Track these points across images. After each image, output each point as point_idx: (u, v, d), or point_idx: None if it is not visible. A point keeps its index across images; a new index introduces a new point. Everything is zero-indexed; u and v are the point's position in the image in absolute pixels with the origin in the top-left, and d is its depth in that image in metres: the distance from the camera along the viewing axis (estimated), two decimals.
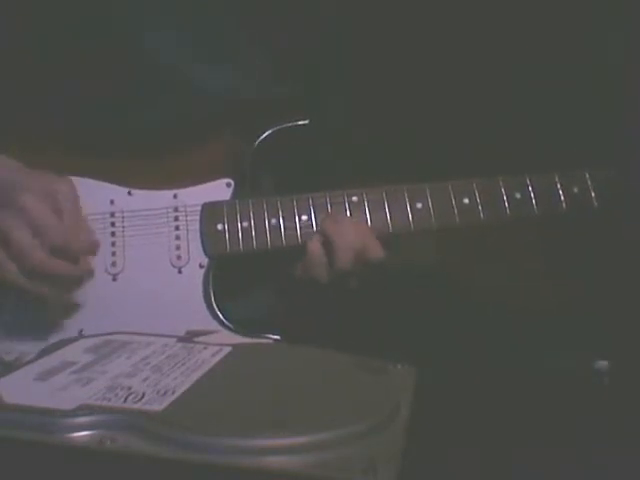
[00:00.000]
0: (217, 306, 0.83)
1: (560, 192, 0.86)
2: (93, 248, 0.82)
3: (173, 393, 0.55)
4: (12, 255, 0.76)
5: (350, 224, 0.83)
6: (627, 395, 0.80)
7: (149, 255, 0.84)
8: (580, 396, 0.80)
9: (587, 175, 0.86)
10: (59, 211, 0.78)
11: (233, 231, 0.84)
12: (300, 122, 0.86)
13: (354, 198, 0.85)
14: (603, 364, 0.87)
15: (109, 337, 0.71)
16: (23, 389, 0.57)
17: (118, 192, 0.85)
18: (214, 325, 0.82)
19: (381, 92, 0.96)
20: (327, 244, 0.82)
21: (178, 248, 0.84)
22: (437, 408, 0.65)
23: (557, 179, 0.86)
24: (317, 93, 0.90)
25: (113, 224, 0.84)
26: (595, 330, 0.92)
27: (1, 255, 0.77)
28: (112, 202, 0.85)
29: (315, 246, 0.82)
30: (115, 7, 0.86)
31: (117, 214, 0.85)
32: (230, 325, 0.82)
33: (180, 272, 0.84)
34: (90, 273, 0.82)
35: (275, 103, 0.87)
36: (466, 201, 0.85)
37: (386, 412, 0.53)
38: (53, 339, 0.77)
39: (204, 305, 0.83)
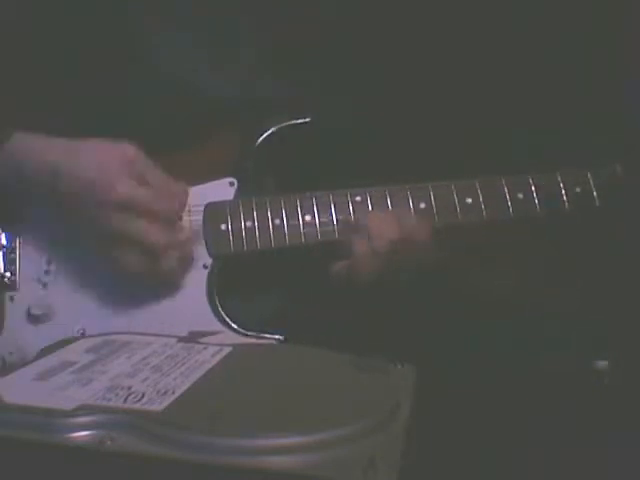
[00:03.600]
0: (221, 306, 0.83)
1: (563, 192, 0.86)
2: (184, 199, 0.83)
3: (173, 393, 0.55)
4: (143, 251, 0.78)
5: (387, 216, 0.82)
6: (627, 395, 0.80)
7: None
8: (580, 396, 0.80)
9: (589, 174, 0.86)
10: (144, 180, 0.79)
11: (237, 231, 0.84)
12: (302, 120, 0.86)
13: (357, 198, 0.84)
14: (603, 364, 0.88)
15: (109, 337, 0.71)
16: (23, 389, 0.57)
17: None
18: (218, 326, 0.82)
19: (384, 90, 0.96)
20: (369, 238, 0.80)
21: None
22: (437, 408, 0.65)
23: (559, 179, 0.86)
24: (319, 91, 0.90)
25: None
26: (595, 330, 0.92)
27: (128, 254, 0.78)
28: None
29: (361, 244, 0.81)
30: (117, 8, 0.86)
31: None
32: (234, 326, 0.82)
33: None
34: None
35: (277, 101, 0.87)
36: (469, 201, 0.85)
37: (386, 412, 0.53)
38: (54, 339, 0.77)
39: (208, 306, 0.83)
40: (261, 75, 0.89)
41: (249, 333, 0.81)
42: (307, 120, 0.86)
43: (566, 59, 0.95)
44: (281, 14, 0.90)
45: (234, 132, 0.86)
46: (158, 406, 0.52)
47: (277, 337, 0.81)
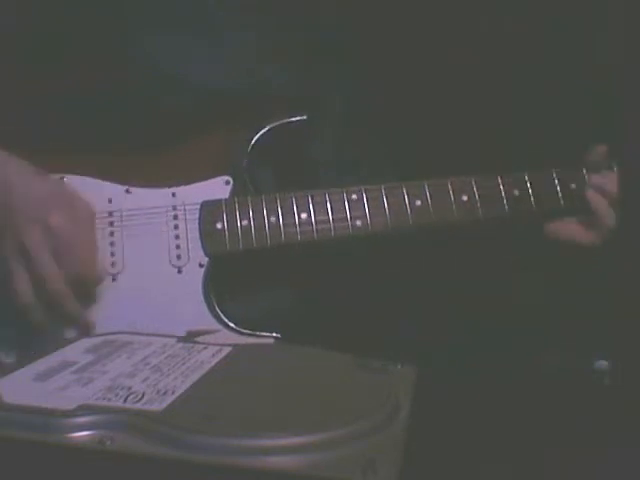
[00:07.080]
0: (217, 305, 0.83)
1: (558, 189, 0.86)
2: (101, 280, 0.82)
3: (173, 393, 0.55)
4: (32, 274, 0.77)
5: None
6: (627, 395, 0.80)
7: (149, 255, 0.84)
8: (580, 396, 0.80)
9: (585, 172, 0.86)
10: (79, 236, 0.79)
11: (232, 230, 0.84)
12: (298, 118, 0.86)
13: (353, 196, 0.85)
14: (603, 364, 0.87)
15: (109, 337, 0.71)
16: (23, 389, 0.57)
17: (116, 190, 0.85)
18: (215, 324, 0.82)
19: (380, 89, 0.96)
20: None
21: (178, 247, 0.84)
22: (437, 408, 0.65)
23: (555, 176, 0.86)
24: (316, 90, 0.90)
25: (112, 223, 0.84)
26: (595, 330, 0.92)
27: (19, 273, 0.77)
28: (110, 201, 0.85)
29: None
30: (114, 7, 0.86)
31: (115, 213, 0.84)
32: (231, 324, 0.82)
33: (180, 272, 0.84)
34: (90, 324, 0.82)
35: (273, 100, 0.87)
36: (465, 198, 0.85)
37: (386, 412, 0.53)
38: (52, 340, 0.77)
39: (204, 304, 0.83)
40: (258, 73, 0.89)
41: (246, 332, 0.81)
42: (303, 118, 0.86)
43: (565, 57, 0.95)
44: (281, 13, 0.90)
45: (230, 130, 0.86)
46: (158, 406, 0.52)
47: (274, 335, 0.81)
